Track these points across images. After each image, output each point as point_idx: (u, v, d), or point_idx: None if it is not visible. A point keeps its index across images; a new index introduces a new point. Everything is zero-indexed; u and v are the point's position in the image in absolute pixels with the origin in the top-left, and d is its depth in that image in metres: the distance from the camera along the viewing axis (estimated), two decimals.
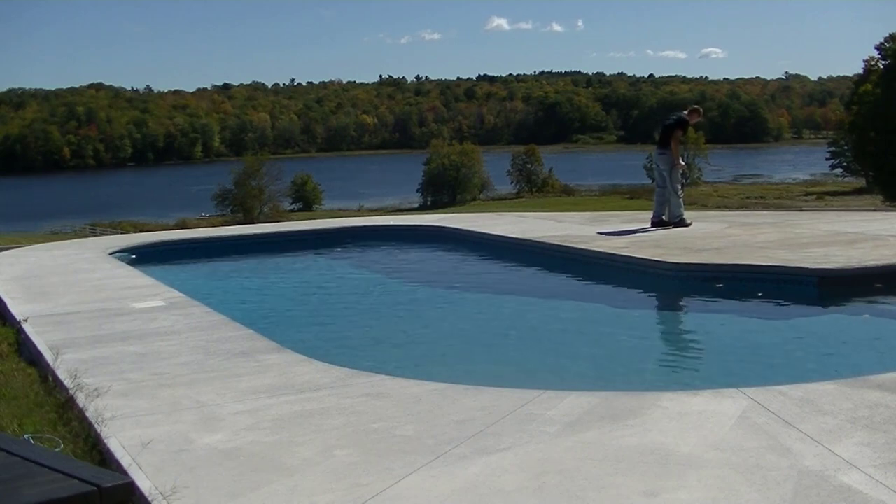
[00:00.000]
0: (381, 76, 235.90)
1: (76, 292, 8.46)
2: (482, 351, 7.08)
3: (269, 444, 4.06)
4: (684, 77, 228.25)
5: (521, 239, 11.67)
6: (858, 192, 67.86)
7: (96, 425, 4.33)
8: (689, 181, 65.16)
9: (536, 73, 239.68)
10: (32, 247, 13.57)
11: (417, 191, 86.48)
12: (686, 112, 12.56)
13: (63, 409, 4.80)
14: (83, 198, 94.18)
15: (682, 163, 12.95)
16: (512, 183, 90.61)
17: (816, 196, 68.74)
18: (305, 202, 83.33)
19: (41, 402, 4.96)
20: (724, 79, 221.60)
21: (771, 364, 6.24)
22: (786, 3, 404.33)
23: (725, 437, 3.91)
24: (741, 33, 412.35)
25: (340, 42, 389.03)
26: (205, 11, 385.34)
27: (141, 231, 30.99)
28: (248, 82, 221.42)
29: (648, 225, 11.96)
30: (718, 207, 47.86)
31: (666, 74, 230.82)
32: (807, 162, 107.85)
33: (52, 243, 14.80)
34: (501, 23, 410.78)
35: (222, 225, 37.45)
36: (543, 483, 3.49)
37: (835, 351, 6.72)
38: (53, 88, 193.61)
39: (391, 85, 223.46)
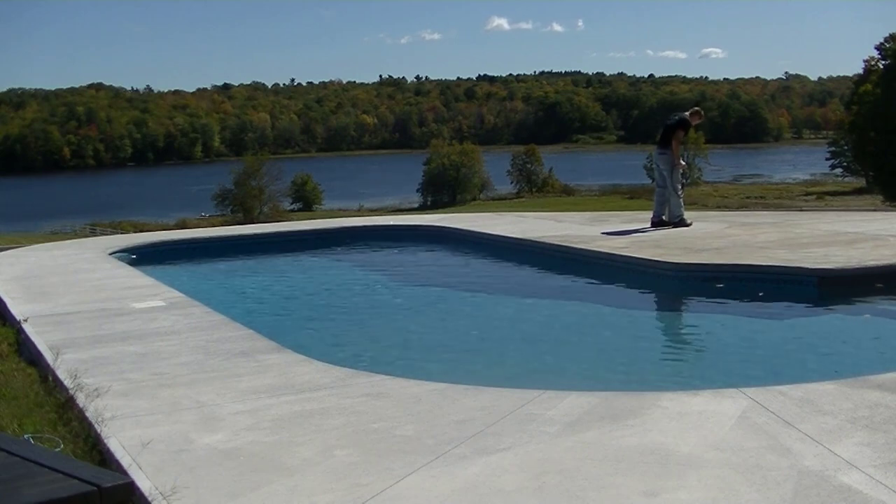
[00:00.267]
0: (381, 76, 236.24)
1: (76, 292, 8.46)
2: (482, 351, 7.07)
3: (269, 444, 4.06)
4: (684, 77, 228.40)
5: (521, 239, 11.67)
6: (858, 192, 67.87)
7: (96, 425, 4.33)
8: (689, 181, 65.17)
9: (536, 73, 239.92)
10: (32, 247, 13.57)
11: (417, 191, 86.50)
12: (688, 114, 12.59)
13: (63, 409, 4.80)
14: (83, 198, 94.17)
15: (683, 163, 12.99)
16: (512, 183, 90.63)
17: (816, 196, 68.74)
18: (305, 202, 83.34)
19: (41, 402, 4.96)
20: (724, 79, 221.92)
21: (771, 364, 6.23)
22: (786, 3, 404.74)
23: (725, 437, 3.91)
24: (741, 33, 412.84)
25: (340, 42, 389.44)
26: (205, 11, 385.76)
27: (141, 231, 30.98)
28: (248, 82, 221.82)
29: (648, 225, 11.98)
30: (718, 207, 47.88)
31: (666, 74, 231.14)
32: (807, 162, 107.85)
33: (52, 243, 14.79)
34: (501, 23, 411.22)
35: (222, 225, 37.45)
36: (543, 483, 3.49)
37: (835, 351, 6.72)
38: (53, 88, 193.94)
39: (391, 85, 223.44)
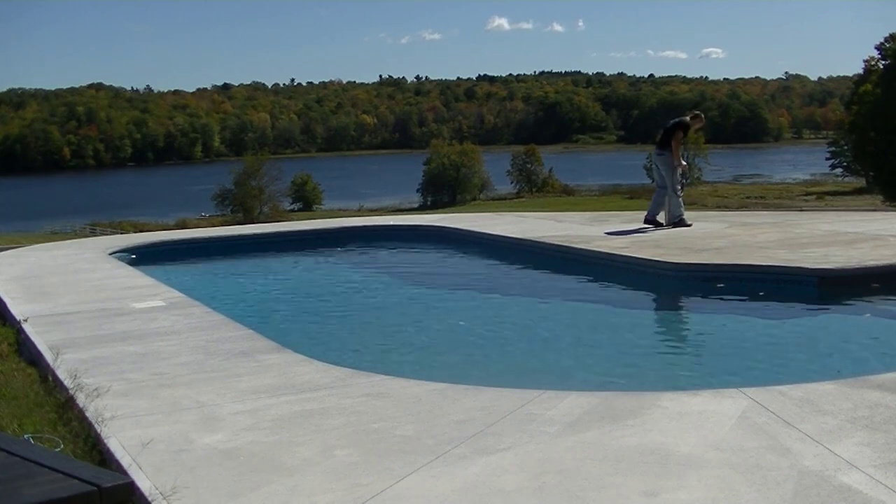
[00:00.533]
0: (381, 76, 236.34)
1: (76, 292, 8.46)
2: (482, 350, 7.07)
3: (269, 444, 4.06)
4: (684, 77, 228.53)
5: (521, 239, 11.67)
6: (858, 192, 67.90)
7: (96, 425, 4.33)
8: (689, 181, 65.16)
9: (536, 73, 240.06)
10: (32, 247, 13.56)
11: (417, 191, 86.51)
12: (689, 117, 12.62)
13: (63, 409, 4.80)
14: (83, 198, 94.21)
15: (684, 163, 13.00)
16: (512, 183, 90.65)
17: (816, 196, 68.77)
18: (305, 202, 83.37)
19: (41, 402, 4.96)
20: (724, 79, 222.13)
21: (771, 364, 6.23)
22: (786, 3, 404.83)
23: (725, 437, 3.91)
24: (741, 33, 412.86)
25: (340, 42, 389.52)
26: (205, 11, 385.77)
27: (141, 231, 31.00)
28: (248, 82, 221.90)
29: (648, 225, 11.97)
30: (718, 207, 47.91)
31: (666, 74, 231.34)
32: (807, 162, 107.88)
33: (52, 243, 14.79)
34: (502, 23, 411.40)
35: (222, 225, 37.44)
36: (543, 483, 3.49)
37: (835, 351, 6.71)
38: (53, 88, 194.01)
39: (391, 85, 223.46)
